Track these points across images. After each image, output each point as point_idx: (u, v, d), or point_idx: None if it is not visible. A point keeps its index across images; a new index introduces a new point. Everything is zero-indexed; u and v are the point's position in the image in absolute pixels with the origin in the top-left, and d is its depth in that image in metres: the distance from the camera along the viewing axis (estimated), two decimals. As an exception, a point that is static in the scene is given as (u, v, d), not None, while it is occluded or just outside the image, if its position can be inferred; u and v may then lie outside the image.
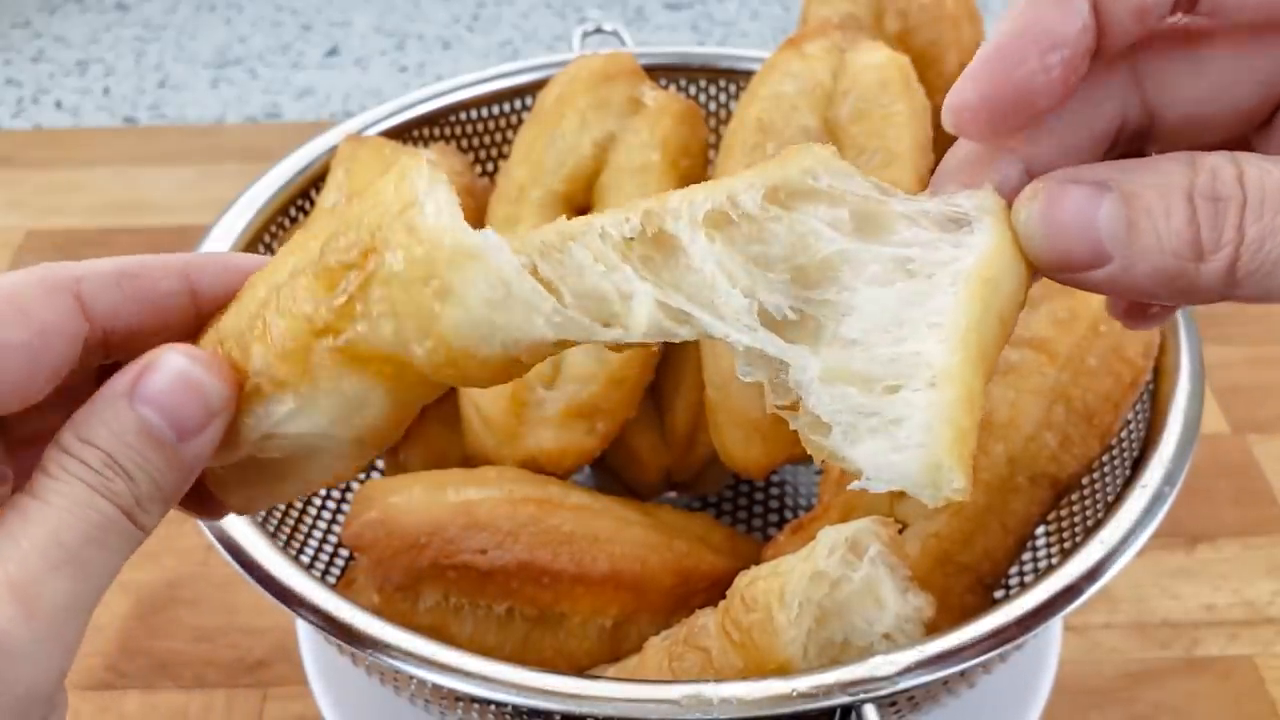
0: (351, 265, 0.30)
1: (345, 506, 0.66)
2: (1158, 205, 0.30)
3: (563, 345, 0.31)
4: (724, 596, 0.49)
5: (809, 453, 0.31)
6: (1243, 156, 0.30)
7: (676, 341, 0.31)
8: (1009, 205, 0.32)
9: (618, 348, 0.31)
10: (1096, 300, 0.55)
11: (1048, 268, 0.32)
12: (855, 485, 0.30)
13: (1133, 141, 0.35)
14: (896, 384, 0.30)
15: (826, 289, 0.31)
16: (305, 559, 0.61)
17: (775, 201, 0.32)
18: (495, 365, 0.30)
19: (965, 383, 0.29)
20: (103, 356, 0.34)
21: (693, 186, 0.32)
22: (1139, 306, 0.39)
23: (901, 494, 0.54)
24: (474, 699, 0.47)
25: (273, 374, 0.31)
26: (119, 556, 0.31)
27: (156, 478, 0.31)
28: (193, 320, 0.34)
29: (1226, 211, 0.29)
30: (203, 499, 0.36)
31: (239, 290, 0.34)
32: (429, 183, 0.30)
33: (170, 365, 0.31)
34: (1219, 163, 0.30)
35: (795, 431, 0.57)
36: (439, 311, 0.29)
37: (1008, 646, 0.47)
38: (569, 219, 0.31)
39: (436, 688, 0.47)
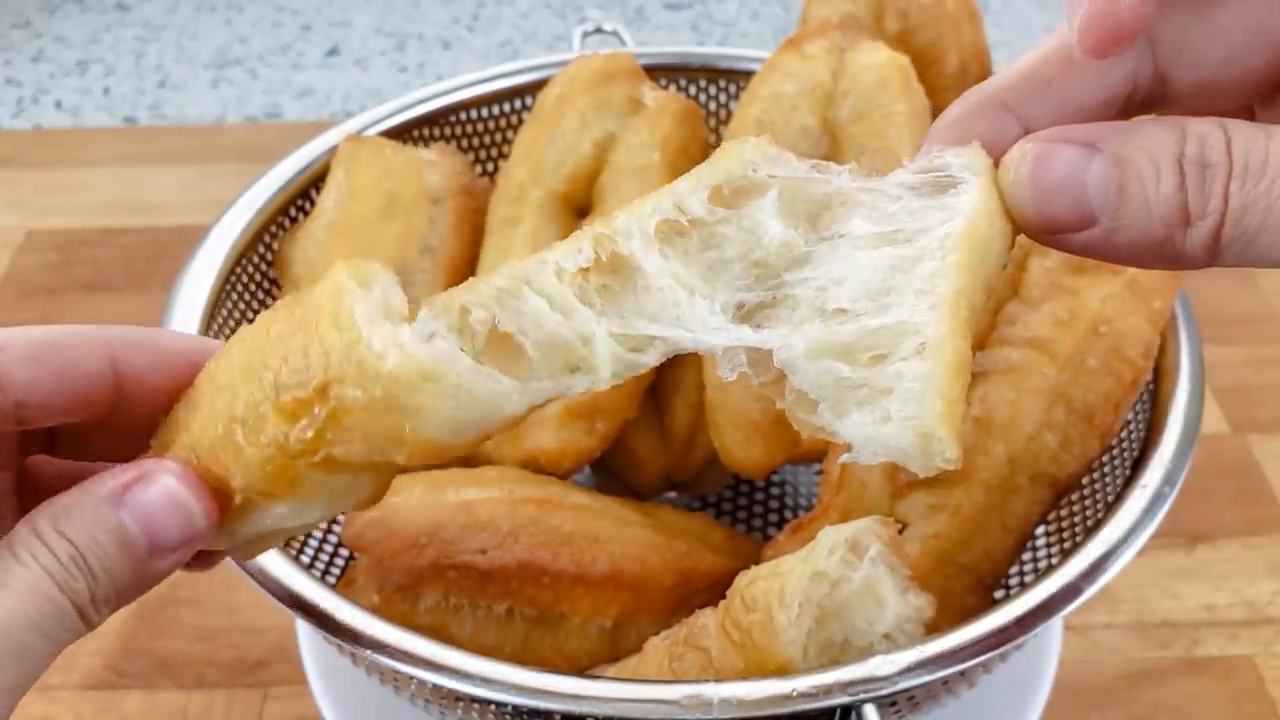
0: (310, 402, 0.30)
1: (345, 506, 0.66)
2: (1148, 170, 0.29)
3: (537, 407, 0.31)
4: (724, 596, 0.49)
5: (797, 428, 0.31)
6: (1231, 124, 0.30)
7: (649, 368, 0.31)
8: (997, 164, 0.32)
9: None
10: (1096, 301, 0.55)
11: (1033, 229, 0.31)
12: (845, 458, 0.30)
13: (1141, 109, 0.34)
14: (883, 353, 0.29)
15: (802, 268, 0.31)
16: (305, 559, 0.61)
17: (720, 201, 0.32)
18: (475, 442, 0.30)
19: (955, 350, 0.29)
20: (15, 424, 0.33)
21: (638, 200, 0.32)
22: None
23: (901, 494, 0.54)
24: (474, 699, 0.47)
25: (259, 489, 0.31)
26: (60, 647, 0.31)
27: (117, 582, 0.31)
28: (112, 397, 0.34)
29: (1214, 179, 0.29)
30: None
31: (172, 375, 0.34)
32: (366, 306, 0.29)
33: (163, 483, 0.32)
34: (1208, 129, 0.29)
35: (795, 431, 0.57)
36: (409, 430, 0.29)
37: (1008, 646, 0.47)
38: (521, 259, 0.31)
39: (436, 688, 0.47)
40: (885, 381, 0.29)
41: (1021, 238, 0.33)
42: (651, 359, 0.31)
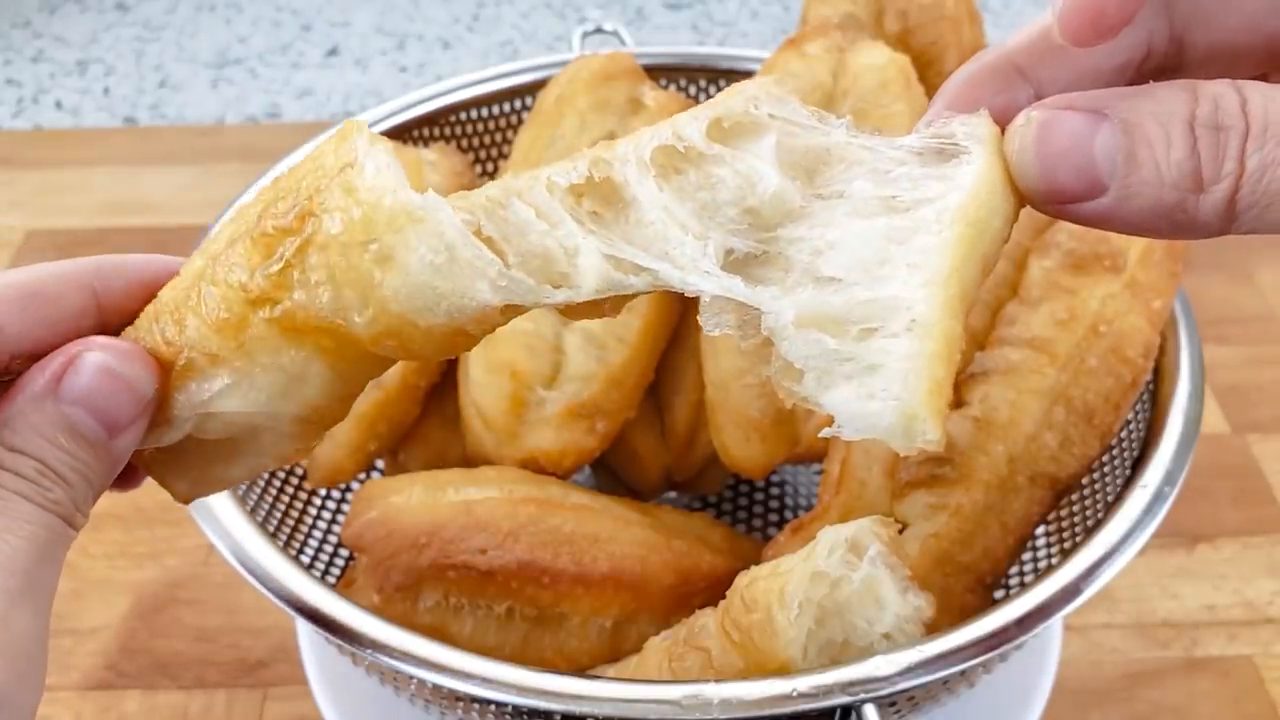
0: (289, 230, 0.29)
1: (345, 506, 0.66)
2: (1158, 135, 0.28)
3: (511, 312, 0.30)
4: (724, 596, 0.49)
5: (780, 397, 0.31)
6: (1247, 85, 0.29)
7: (631, 293, 0.30)
8: (1004, 132, 0.31)
9: (574, 310, 0.30)
10: (1096, 301, 0.55)
11: (1040, 200, 0.31)
12: (826, 432, 0.29)
13: (1156, 75, 0.33)
14: (872, 327, 0.29)
15: (797, 225, 0.31)
16: (305, 559, 0.61)
17: (719, 137, 0.31)
18: (439, 336, 0.29)
19: (945, 331, 0.28)
20: (4, 373, 0.32)
21: (641, 129, 0.31)
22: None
23: (902, 494, 0.54)
24: (474, 699, 0.47)
25: (206, 347, 0.30)
26: (60, 565, 0.30)
27: (90, 477, 0.30)
28: (94, 325, 0.33)
29: (1228, 141, 0.28)
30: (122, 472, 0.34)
31: (147, 295, 0.33)
32: (369, 143, 0.29)
33: (92, 362, 0.30)
34: (1222, 90, 0.28)
35: (795, 431, 0.57)
36: (379, 278, 0.28)
37: (1008, 646, 0.47)
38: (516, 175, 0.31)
39: (436, 688, 0.47)
40: (873, 357, 0.28)
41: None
42: (639, 284, 0.30)
